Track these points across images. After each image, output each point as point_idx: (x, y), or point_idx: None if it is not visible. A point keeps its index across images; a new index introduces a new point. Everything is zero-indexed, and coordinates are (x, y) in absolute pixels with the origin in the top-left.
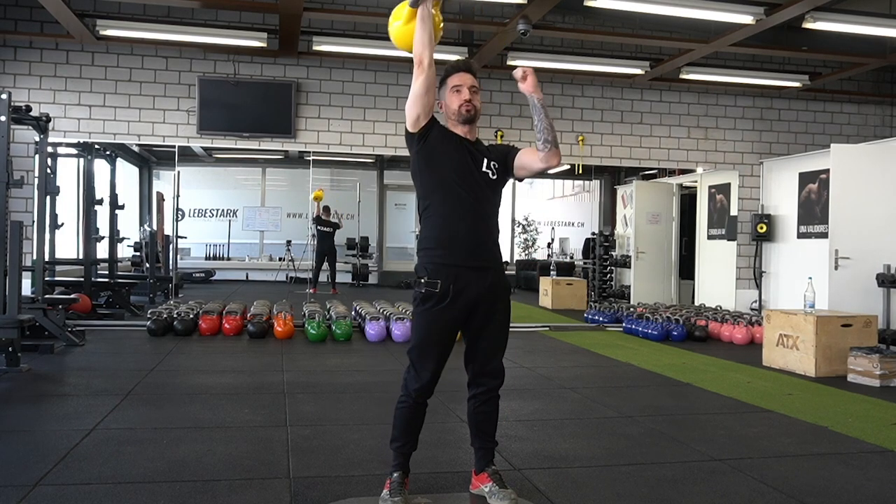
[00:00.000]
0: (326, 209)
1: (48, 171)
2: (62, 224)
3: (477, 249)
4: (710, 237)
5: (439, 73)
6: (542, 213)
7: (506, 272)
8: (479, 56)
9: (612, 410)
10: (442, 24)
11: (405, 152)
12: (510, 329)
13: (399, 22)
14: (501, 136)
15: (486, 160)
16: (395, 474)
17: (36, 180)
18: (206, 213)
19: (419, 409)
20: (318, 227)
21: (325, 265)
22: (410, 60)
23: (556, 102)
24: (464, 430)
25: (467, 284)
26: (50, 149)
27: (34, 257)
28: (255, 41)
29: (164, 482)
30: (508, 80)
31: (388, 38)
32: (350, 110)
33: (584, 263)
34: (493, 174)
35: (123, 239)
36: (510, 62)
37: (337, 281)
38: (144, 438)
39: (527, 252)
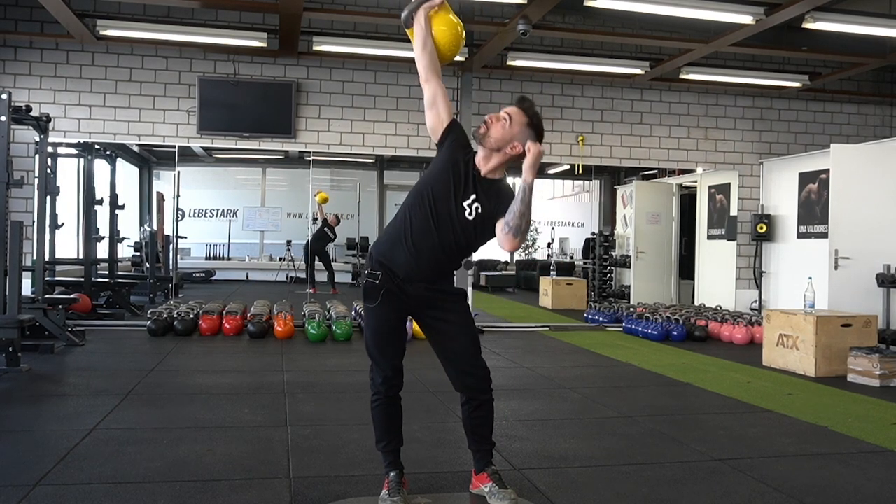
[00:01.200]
0: (337, 217)
1: (48, 171)
2: (62, 224)
3: (415, 272)
4: (710, 237)
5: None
6: (542, 213)
7: (453, 283)
8: (479, 56)
9: (612, 410)
10: (460, 27)
11: (405, 152)
12: (509, 329)
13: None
14: None
15: (473, 197)
16: (392, 473)
17: (36, 180)
18: (206, 213)
19: (392, 404)
20: (324, 228)
21: (319, 265)
22: (410, 60)
23: (556, 102)
24: (463, 430)
25: (400, 288)
26: (50, 149)
27: (34, 257)
28: (255, 41)
29: (164, 482)
30: (508, 80)
31: (387, 38)
32: (350, 110)
33: (584, 263)
34: (470, 214)
35: (123, 239)
36: (510, 62)
37: (337, 281)
38: (144, 438)
39: (527, 252)
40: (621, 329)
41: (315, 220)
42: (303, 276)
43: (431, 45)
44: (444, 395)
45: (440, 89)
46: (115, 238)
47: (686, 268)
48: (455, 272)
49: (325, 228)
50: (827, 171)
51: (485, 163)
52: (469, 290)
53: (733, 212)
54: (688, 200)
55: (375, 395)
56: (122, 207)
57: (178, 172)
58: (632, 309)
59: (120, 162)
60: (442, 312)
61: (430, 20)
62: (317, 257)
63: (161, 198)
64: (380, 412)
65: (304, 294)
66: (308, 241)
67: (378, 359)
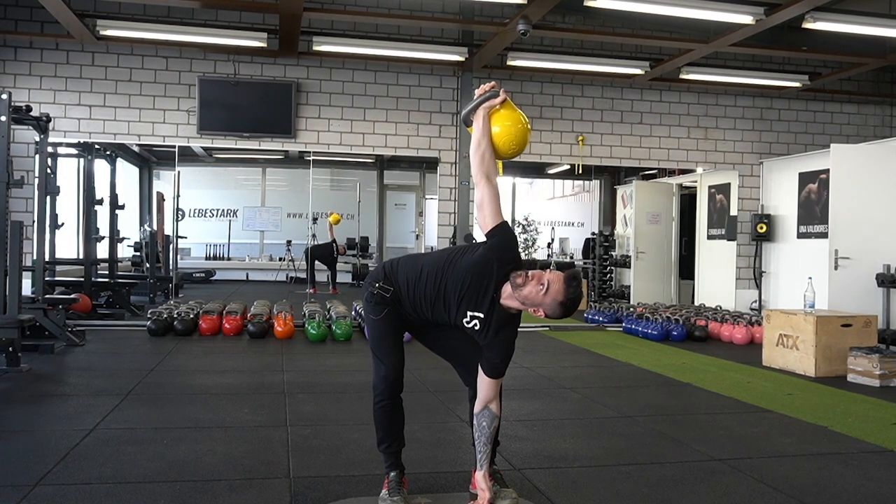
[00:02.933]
0: (345, 249)
1: (48, 171)
2: (62, 224)
3: (409, 313)
4: (709, 237)
5: None
6: (542, 213)
7: None
8: (479, 56)
9: (612, 410)
10: (523, 123)
11: (405, 152)
12: None
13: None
14: None
15: (481, 315)
16: (392, 473)
17: (36, 180)
18: (206, 213)
19: (395, 406)
20: (332, 244)
21: (320, 265)
22: (410, 60)
23: (556, 102)
24: (464, 430)
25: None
26: (50, 149)
27: (34, 257)
28: (255, 41)
29: (164, 482)
30: (508, 80)
31: (387, 38)
32: (350, 110)
33: (584, 263)
34: (468, 322)
35: (123, 239)
36: (510, 62)
37: (337, 281)
38: (144, 438)
39: (527, 252)
40: (621, 329)
41: (315, 220)
42: (303, 275)
43: (486, 145)
44: (444, 395)
45: (487, 194)
46: (115, 238)
47: (686, 268)
48: None
49: (334, 245)
50: (827, 171)
51: (506, 297)
52: None
53: (733, 212)
54: (688, 200)
55: (379, 396)
56: (122, 207)
57: (178, 172)
58: (632, 309)
59: (120, 162)
60: (431, 325)
61: (490, 118)
62: (316, 260)
63: (161, 198)
64: (383, 414)
65: (304, 294)
66: (310, 247)
67: (385, 361)
